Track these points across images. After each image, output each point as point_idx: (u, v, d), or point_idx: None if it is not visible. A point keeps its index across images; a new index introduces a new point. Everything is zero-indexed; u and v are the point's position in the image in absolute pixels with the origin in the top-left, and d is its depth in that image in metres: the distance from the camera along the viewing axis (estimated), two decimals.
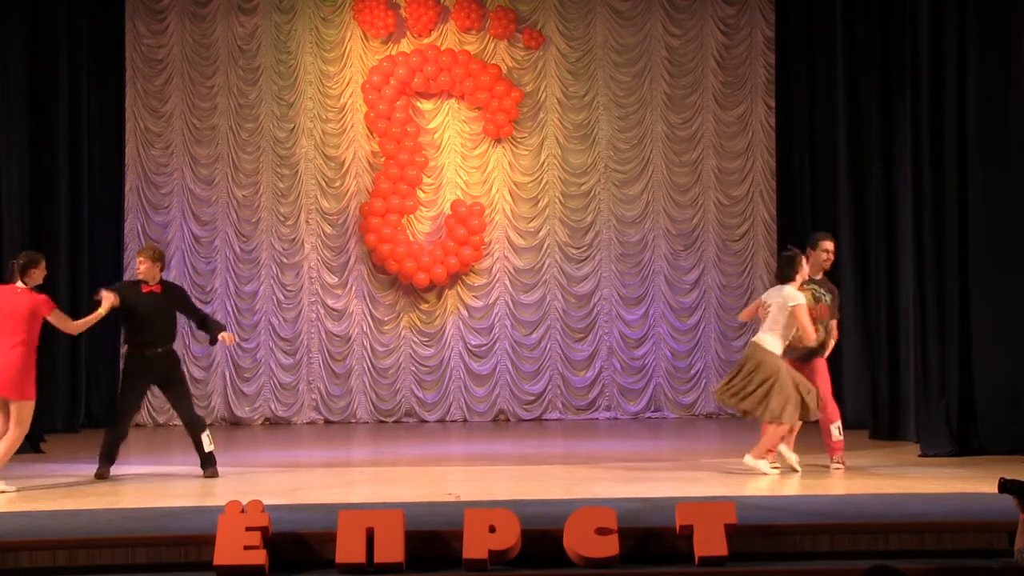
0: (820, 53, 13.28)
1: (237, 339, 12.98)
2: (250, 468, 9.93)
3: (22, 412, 8.53)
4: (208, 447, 9.32)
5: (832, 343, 9.51)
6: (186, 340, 14.03)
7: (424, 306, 14.36)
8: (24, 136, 11.58)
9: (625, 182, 14.47)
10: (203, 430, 9.38)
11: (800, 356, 9.22)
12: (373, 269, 14.32)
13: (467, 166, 14.44)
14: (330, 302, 14.22)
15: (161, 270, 9.44)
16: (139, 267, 9.42)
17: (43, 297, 8.66)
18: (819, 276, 9.42)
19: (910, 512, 7.20)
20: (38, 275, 8.67)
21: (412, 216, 14.32)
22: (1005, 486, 6.13)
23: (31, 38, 11.83)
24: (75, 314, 13.17)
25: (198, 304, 10.65)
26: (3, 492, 8.36)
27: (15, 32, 11.54)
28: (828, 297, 9.38)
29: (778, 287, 9.08)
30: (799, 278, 9.06)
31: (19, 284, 8.59)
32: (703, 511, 6.57)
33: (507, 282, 14.43)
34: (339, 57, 14.38)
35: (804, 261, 9.12)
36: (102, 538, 6.72)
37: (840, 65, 12.56)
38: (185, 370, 9.77)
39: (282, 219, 14.23)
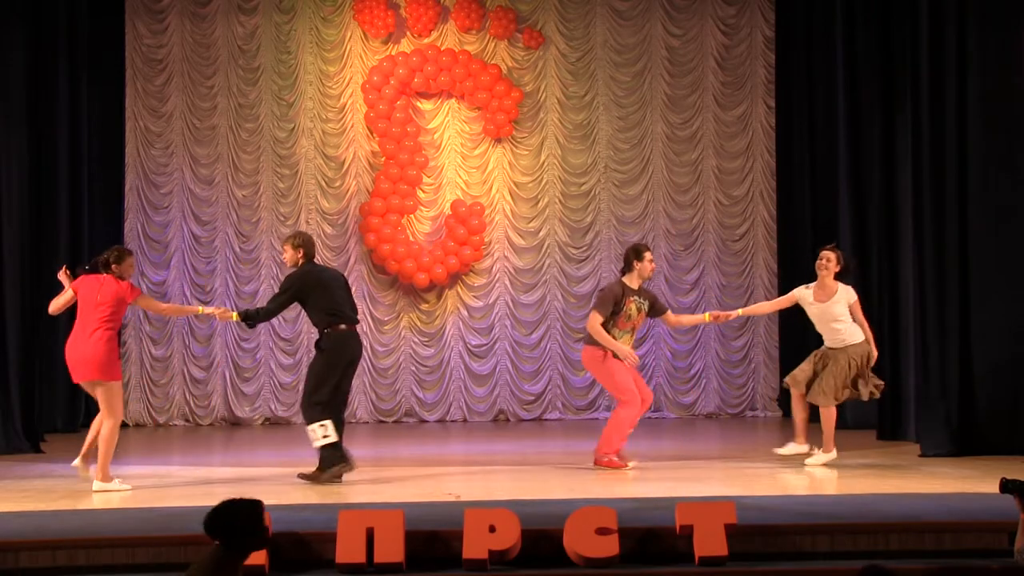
0: (820, 53, 13.28)
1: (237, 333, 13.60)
2: (250, 468, 9.92)
3: (110, 395, 8.62)
4: (319, 441, 8.80)
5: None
6: (186, 340, 14.05)
7: (424, 306, 14.36)
8: (24, 136, 11.57)
9: (625, 182, 14.48)
10: (311, 422, 8.86)
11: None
12: (373, 269, 14.32)
13: (467, 166, 14.45)
14: None
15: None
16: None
17: (128, 284, 8.79)
18: (636, 286, 9.63)
19: (910, 512, 7.20)
20: (128, 268, 8.81)
21: (412, 216, 14.32)
22: (1007, 486, 6.13)
23: (31, 38, 11.81)
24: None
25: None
26: (119, 491, 8.47)
27: (15, 32, 11.53)
28: (646, 305, 9.65)
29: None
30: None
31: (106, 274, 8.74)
32: (703, 511, 6.57)
33: (507, 282, 14.43)
34: (339, 57, 14.38)
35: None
36: (102, 538, 6.72)
37: (840, 65, 12.56)
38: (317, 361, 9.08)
39: (282, 219, 14.23)
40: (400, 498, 7.86)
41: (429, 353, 14.32)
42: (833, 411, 9.56)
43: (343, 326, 8.93)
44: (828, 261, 9.68)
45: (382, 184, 14.12)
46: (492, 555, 6.43)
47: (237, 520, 4.94)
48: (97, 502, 8.09)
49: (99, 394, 8.65)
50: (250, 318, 9.14)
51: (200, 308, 9.85)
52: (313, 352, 8.77)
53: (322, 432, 8.71)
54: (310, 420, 8.80)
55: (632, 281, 9.55)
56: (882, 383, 9.76)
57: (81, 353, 8.59)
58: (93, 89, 13.61)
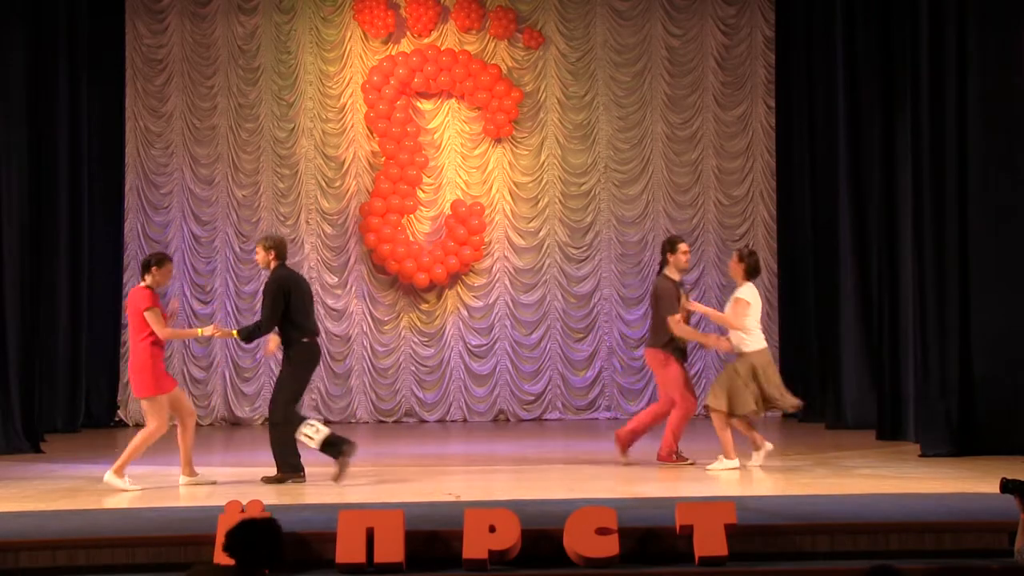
0: (820, 53, 13.26)
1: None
2: (250, 468, 9.91)
3: (152, 408, 8.69)
4: (312, 443, 8.74)
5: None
6: (186, 340, 14.02)
7: (424, 306, 14.36)
8: (24, 136, 11.57)
9: (625, 182, 14.47)
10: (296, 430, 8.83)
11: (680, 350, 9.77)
12: (373, 269, 14.32)
13: (467, 166, 14.44)
14: (330, 302, 14.21)
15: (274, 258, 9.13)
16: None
17: (149, 292, 8.72)
18: (678, 278, 9.77)
19: (910, 512, 7.21)
20: (165, 274, 8.81)
21: (412, 216, 14.32)
22: (1007, 486, 6.13)
23: (31, 38, 11.81)
24: (74, 314, 13.33)
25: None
26: (128, 490, 8.50)
27: (15, 32, 11.53)
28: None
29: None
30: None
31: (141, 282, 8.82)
32: (703, 511, 6.58)
33: (507, 282, 14.43)
34: (339, 57, 14.38)
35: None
36: (102, 538, 6.72)
37: (840, 65, 12.55)
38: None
39: (282, 219, 14.22)
40: (400, 498, 7.86)
41: (429, 353, 14.32)
42: (715, 417, 9.53)
43: (305, 339, 9.03)
44: (731, 260, 9.85)
45: (382, 184, 14.12)
46: (492, 555, 6.43)
47: (256, 540, 4.96)
48: (98, 501, 8.09)
49: (142, 405, 8.94)
50: (250, 335, 9.20)
51: (199, 331, 9.82)
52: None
53: (312, 431, 8.71)
54: (296, 428, 8.78)
55: (673, 274, 9.70)
56: (793, 401, 9.64)
57: (131, 368, 8.82)
58: (93, 89, 13.61)
